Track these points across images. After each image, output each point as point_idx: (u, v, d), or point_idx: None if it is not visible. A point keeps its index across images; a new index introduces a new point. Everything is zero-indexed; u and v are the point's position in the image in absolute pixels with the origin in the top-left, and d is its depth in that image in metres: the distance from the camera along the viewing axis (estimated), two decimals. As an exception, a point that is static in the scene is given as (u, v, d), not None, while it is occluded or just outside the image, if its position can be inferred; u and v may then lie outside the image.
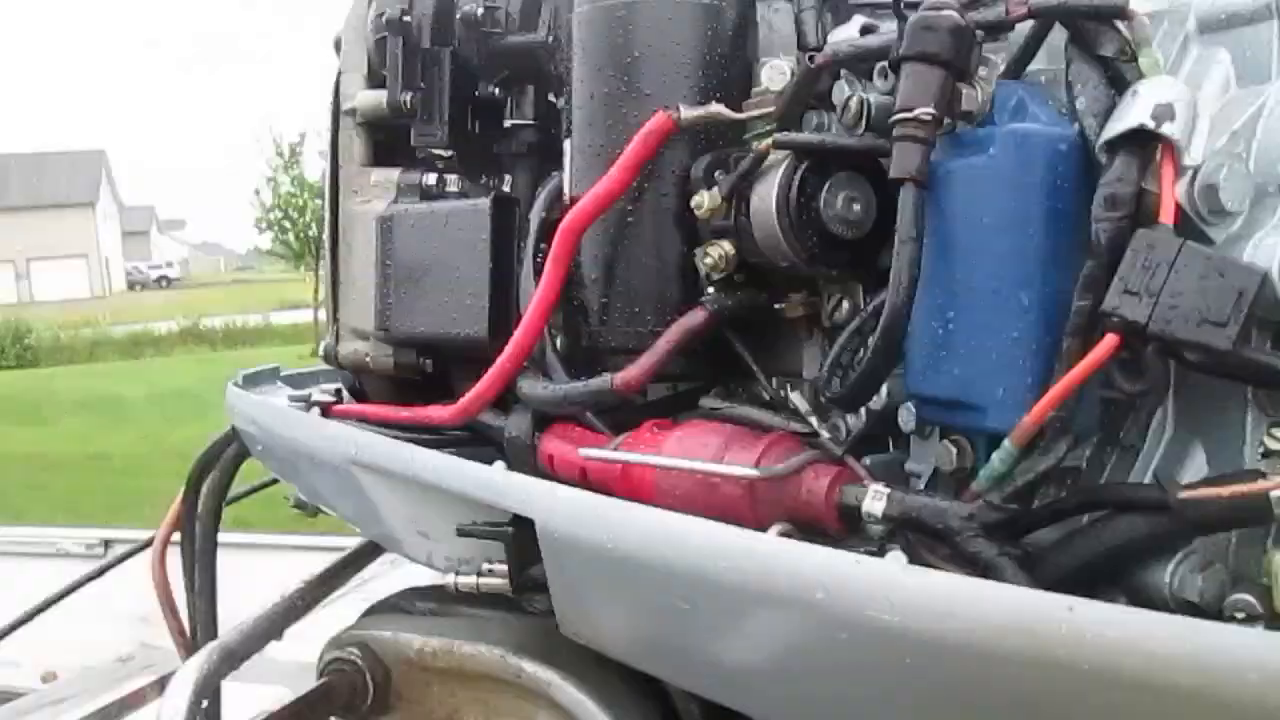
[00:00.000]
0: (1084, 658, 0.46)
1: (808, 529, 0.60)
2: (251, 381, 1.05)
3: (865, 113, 0.65)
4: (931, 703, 0.52)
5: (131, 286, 44.39)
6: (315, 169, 18.95)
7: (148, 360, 18.03)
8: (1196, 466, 0.58)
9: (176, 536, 1.16)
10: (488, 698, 0.86)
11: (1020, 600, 0.48)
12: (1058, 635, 0.47)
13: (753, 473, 0.58)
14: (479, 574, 0.74)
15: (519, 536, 0.68)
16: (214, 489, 1.06)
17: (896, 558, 0.53)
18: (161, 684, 2.19)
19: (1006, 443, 0.54)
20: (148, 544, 1.57)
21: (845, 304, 0.68)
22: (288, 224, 19.10)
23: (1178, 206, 0.52)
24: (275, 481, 1.26)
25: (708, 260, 0.69)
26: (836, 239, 0.65)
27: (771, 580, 0.54)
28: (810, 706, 0.57)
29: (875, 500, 0.58)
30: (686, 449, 0.63)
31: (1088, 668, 0.46)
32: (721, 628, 0.57)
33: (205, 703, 0.74)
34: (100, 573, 1.73)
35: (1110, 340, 0.51)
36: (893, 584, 0.51)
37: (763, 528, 0.59)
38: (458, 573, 0.75)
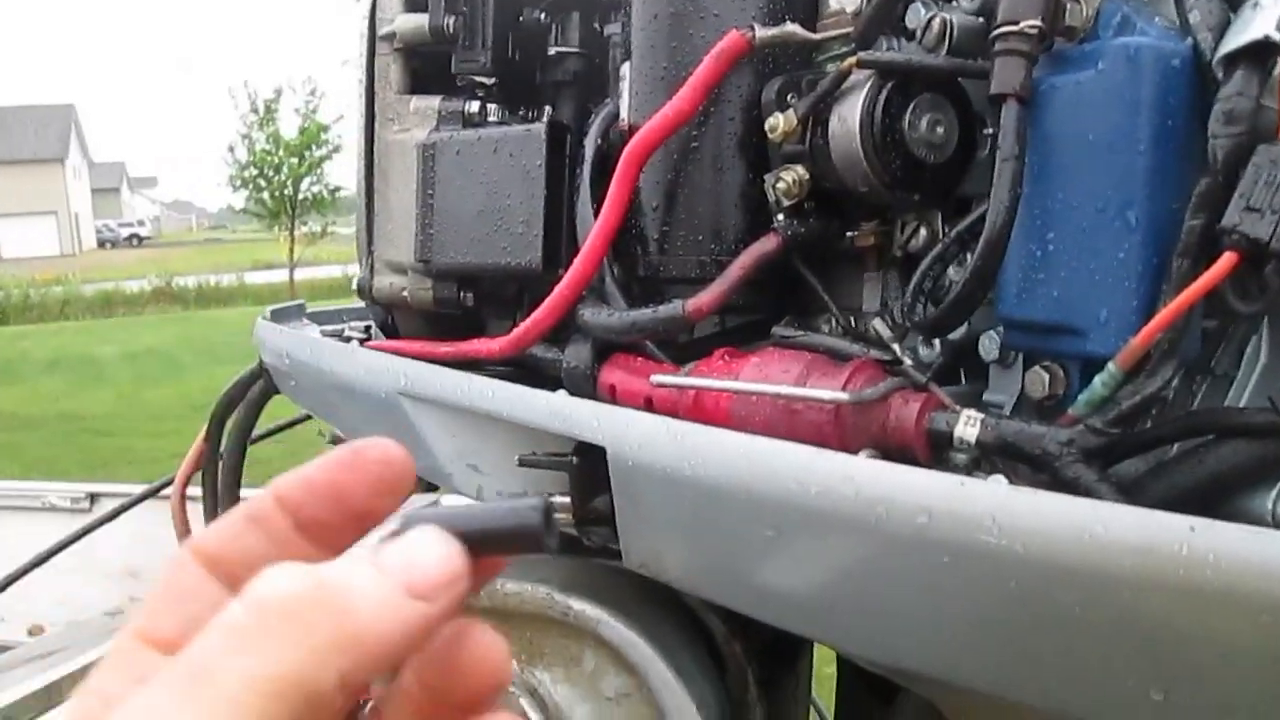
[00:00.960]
0: (1206, 580, 0.45)
1: (893, 457, 0.58)
2: (278, 317, 1.03)
3: (948, 33, 0.63)
4: (1036, 630, 0.51)
5: (102, 244, 43.80)
6: (291, 126, 18.72)
7: (119, 319, 17.81)
8: (1295, 395, 0.57)
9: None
10: (533, 637, 0.85)
11: (1136, 520, 0.47)
12: (1178, 557, 0.46)
13: (842, 397, 0.56)
14: (535, 507, 0.72)
15: (584, 466, 0.66)
16: (239, 427, 1.04)
17: (999, 480, 0.52)
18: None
19: (1111, 365, 0.53)
20: (141, 498, 1.55)
21: (923, 232, 0.67)
22: (263, 182, 18.89)
23: (1297, 123, 0.51)
24: (300, 421, 1.23)
25: (780, 185, 0.67)
26: (919, 162, 0.63)
27: (869, 504, 0.52)
28: (903, 637, 0.56)
29: (968, 426, 0.56)
30: (766, 375, 0.62)
31: (1210, 591, 0.45)
32: (811, 555, 0.56)
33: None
34: (96, 526, 1.70)
35: (1229, 258, 0.50)
36: (1001, 505, 0.49)
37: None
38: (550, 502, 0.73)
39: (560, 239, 0.79)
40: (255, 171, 19.01)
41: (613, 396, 0.71)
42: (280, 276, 20.21)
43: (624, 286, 0.76)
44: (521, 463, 0.68)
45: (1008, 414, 0.62)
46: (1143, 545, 0.46)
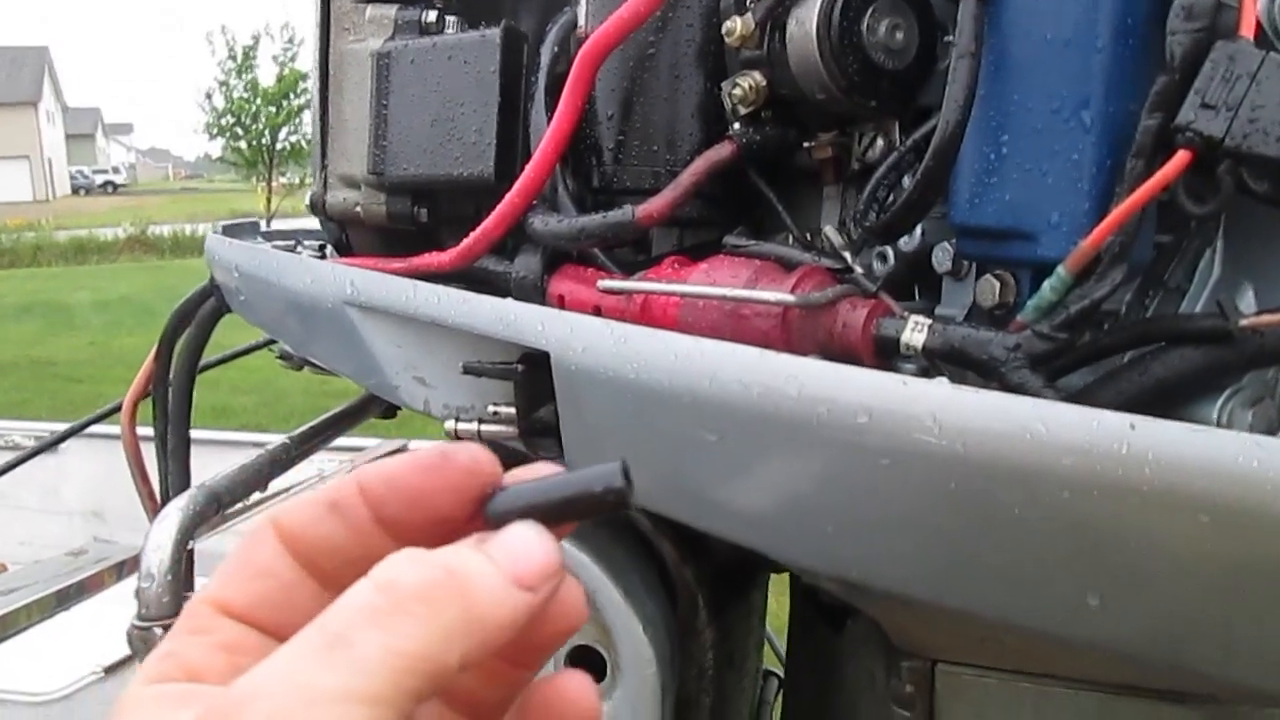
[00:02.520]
0: (1145, 479, 0.45)
1: (840, 363, 0.57)
2: (231, 232, 1.00)
3: (911, -65, 0.61)
4: (976, 534, 0.50)
5: (76, 191, 43.19)
6: (269, 74, 18.46)
7: (93, 266, 17.61)
8: (1245, 306, 0.56)
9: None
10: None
11: (1077, 418, 0.46)
12: (1118, 456, 0.45)
13: (789, 299, 0.55)
14: (481, 420, 0.71)
15: (529, 375, 0.65)
16: (189, 346, 1.01)
17: (943, 382, 0.51)
18: (119, 569, 2.15)
19: (1060, 269, 0.52)
20: (89, 423, 1.52)
21: (880, 141, 0.65)
22: (240, 131, 18.66)
23: (1257, 21, 0.50)
24: (255, 348, 1.21)
25: (736, 92, 0.66)
26: (878, 68, 0.62)
27: (811, 404, 0.51)
28: (845, 544, 0.55)
29: (916, 332, 0.55)
30: (714, 280, 0.60)
31: (1149, 490, 0.45)
32: (753, 460, 0.55)
33: (192, 543, 0.71)
34: (63, 438, 1.67)
35: (1182, 156, 0.48)
36: (942, 405, 0.48)
37: (795, 360, 0.57)
38: (457, 419, 0.72)
39: (515, 150, 0.77)
40: (232, 120, 18.77)
41: (561, 306, 0.69)
42: (257, 227, 19.95)
43: (578, 198, 0.74)
44: (466, 370, 0.67)
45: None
46: (1083, 444, 0.46)
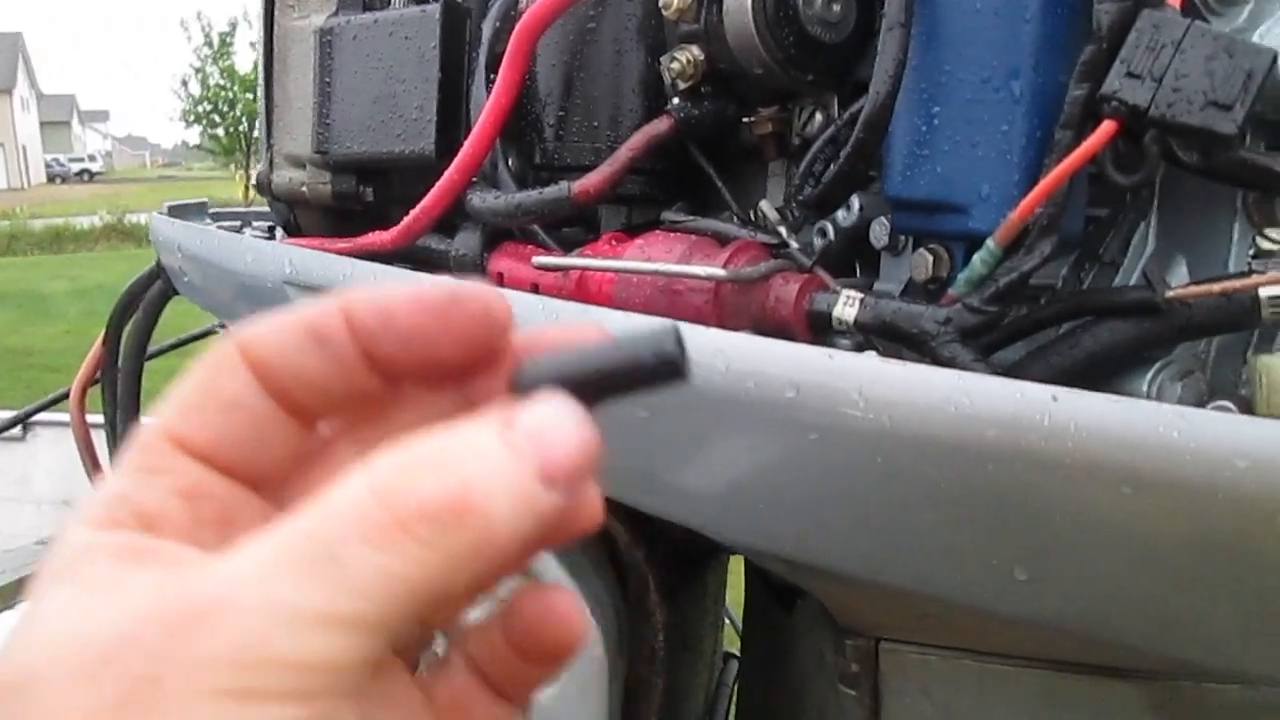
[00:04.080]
0: (1068, 451, 0.44)
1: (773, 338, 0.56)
2: (176, 213, 0.99)
3: (848, -94, 0.61)
4: (904, 508, 0.50)
5: (52, 179, 42.75)
6: (246, 60, 18.31)
7: (70, 255, 17.44)
8: (1179, 279, 0.56)
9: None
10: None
11: (1000, 390, 0.45)
12: (1040, 427, 0.45)
13: (719, 273, 0.55)
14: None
15: (466, 353, 0.64)
16: (137, 330, 1.00)
17: (870, 356, 0.50)
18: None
19: (990, 242, 0.51)
20: (37, 409, 1.50)
21: (818, 116, 0.65)
22: (217, 118, 18.52)
23: (1184, -10, 0.49)
24: (206, 334, 1.20)
25: (674, 66, 0.65)
26: (814, 41, 0.61)
27: (739, 379, 0.51)
28: (778, 518, 0.54)
29: (847, 306, 0.55)
30: (649, 255, 0.60)
31: (1072, 462, 0.44)
32: (684, 436, 0.54)
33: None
34: (19, 421, 1.65)
35: (1108, 126, 0.48)
36: (867, 378, 0.48)
37: (727, 336, 0.56)
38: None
39: (458, 126, 0.76)
40: (209, 107, 18.62)
41: (500, 284, 0.69)
42: (235, 215, 19.84)
43: (519, 176, 0.73)
44: (402, 349, 0.66)
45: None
46: (1006, 416, 0.45)
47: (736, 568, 1.12)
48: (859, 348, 0.59)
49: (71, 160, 44.91)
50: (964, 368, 0.52)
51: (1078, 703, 0.69)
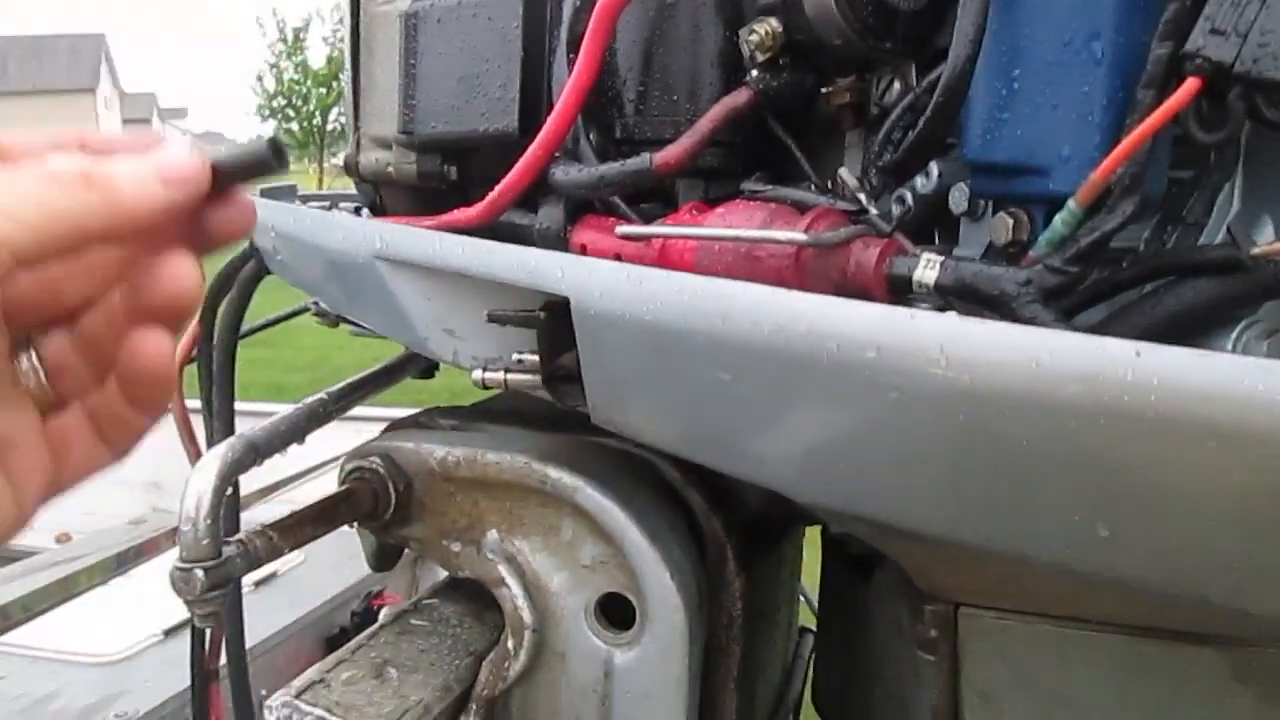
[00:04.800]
0: (1150, 405, 0.45)
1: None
2: (269, 194, 1.03)
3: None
4: (986, 466, 0.51)
5: (133, 175, 43.81)
6: (319, 56, 18.62)
7: (151, 248, 17.87)
8: (1265, 238, 0.56)
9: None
10: (511, 506, 0.86)
11: (1081, 346, 0.46)
12: (1123, 382, 0.45)
13: (801, 238, 0.56)
14: (507, 369, 0.73)
15: (552, 321, 0.66)
16: (231, 308, 1.04)
17: (951, 316, 0.51)
18: (173, 535, 2.21)
19: (1071, 202, 0.52)
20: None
21: (896, 85, 0.65)
22: (291, 112, 18.87)
23: (1270, -55, 0.49)
24: (297, 313, 1.24)
25: (753, 38, 0.66)
26: (892, 9, 0.62)
27: (820, 340, 0.52)
28: (859, 480, 0.56)
29: (928, 269, 0.56)
30: (730, 223, 0.61)
31: (1154, 417, 0.45)
32: (766, 397, 0.55)
33: (230, 490, 0.73)
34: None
35: (1191, 84, 0.48)
36: (948, 336, 0.49)
37: (808, 300, 0.57)
38: (485, 369, 0.74)
39: (540, 104, 0.78)
40: (284, 101, 18.98)
41: (584, 254, 0.71)
42: (310, 207, 20.21)
43: (601, 150, 0.75)
44: (490, 318, 0.68)
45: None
46: (1087, 371, 0.46)
47: (812, 542, 1.14)
48: (939, 311, 0.60)
49: (152, 156, 45.96)
50: (1044, 327, 0.52)
51: (1157, 668, 0.69)
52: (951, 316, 0.50)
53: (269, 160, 0.42)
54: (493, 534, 0.87)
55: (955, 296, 0.55)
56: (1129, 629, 0.67)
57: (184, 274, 0.41)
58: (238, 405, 1.12)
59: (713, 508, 0.89)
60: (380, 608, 2.09)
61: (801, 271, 0.58)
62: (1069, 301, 0.55)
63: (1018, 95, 0.55)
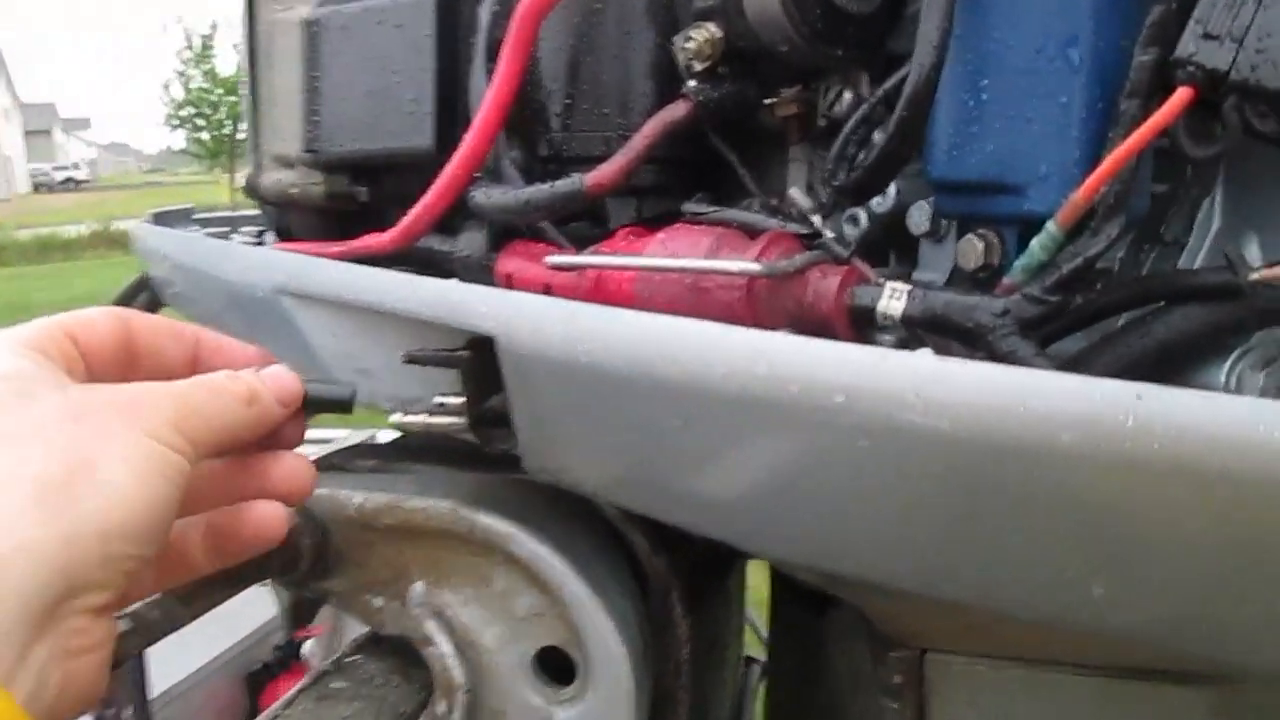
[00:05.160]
0: (1155, 453, 0.40)
1: (812, 336, 0.52)
2: (162, 220, 0.94)
3: None
4: (967, 519, 0.45)
5: (37, 188, 42.51)
6: (228, 63, 18.20)
7: (57, 264, 17.32)
8: (1251, 258, 0.51)
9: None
10: (439, 555, 0.79)
11: (1077, 389, 0.41)
12: (1123, 429, 0.40)
13: (754, 268, 0.50)
14: (430, 411, 0.66)
15: (476, 361, 0.60)
16: (124, 344, 0.95)
17: (926, 354, 0.46)
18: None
19: (1050, 225, 0.47)
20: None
21: (847, 95, 0.60)
22: (200, 121, 18.41)
23: (1261, -59, 0.45)
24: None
25: (690, 45, 0.60)
26: (843, 13, 0.56)
27: (781, 384, 0.46)
28: (825, 535, 0.50)
29: (893, 299, 0.50)
30: (672, 250, 0.55)
31: (1160, 464, 0.40)
32: (720, 446, 0.50)
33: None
34: None
35: (1183, 94, 0.44)
36: (925, 379, 0.43)
37: (762, 335, 0.52)
38: (404, 412, 0.67)
39: (455, 119, 0.71)
40: (193, 110, 18.50)
41: (510, 286, 0.64)
42: (223, 219, 19.75)
43: (525, 169, 0.68)
44: (409, 359, 0.61)
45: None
46: (1084, 416, 0.41)
47: (755, 568, 1.08)
48: (903, 344, 0.55)
49: (56, 169, 44.64)
50: (1025, 363, 0.47)
51: (1135, 709, 0.65)
52: (926, 355, 0.45)
53: (348, 405, 0.54)
54: (418, 586, 0.80)
55: (924, 329, 0.50)
56: (1105, 670, 0.63)
57: (304, 469, 0.51)
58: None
59: (655, 548, 0.83)
60: (304, 639, 2.00)
61: (754, 304, 0.52)
62: (1046, 330, 0.50)
63: (987, 107, 0.50)
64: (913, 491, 0.46)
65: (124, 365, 0.46)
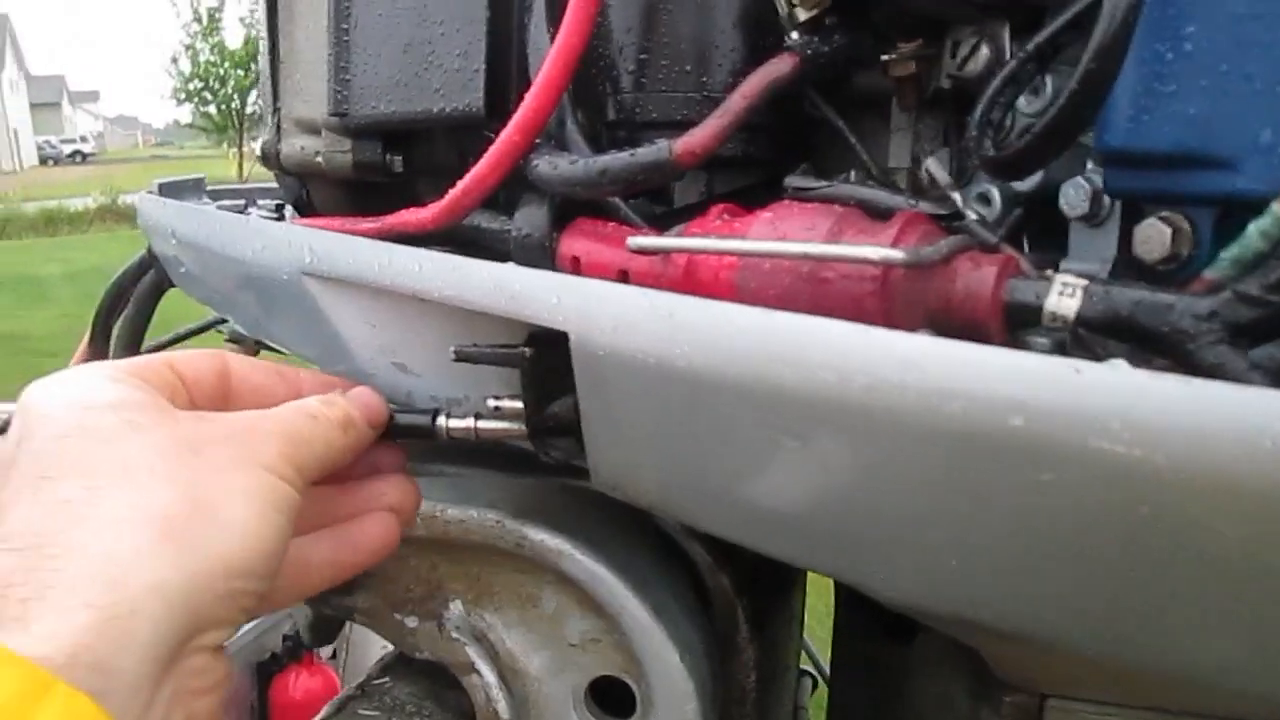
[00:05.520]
0: None
1: (957, 338, 0.43)
2: (169, 192, 0.85)
3: None
4: (1177, 570, 0.36)
5: (44, 161, 42.42)
6: (236, 36, 18.06)
7: (63, 238, 17.25)
8: None
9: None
10: (479, 572, 0.70)
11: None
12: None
13: (896, 255, 0.41)
14: (478, 414, 0.57)
15: (541, 359, 0.51)
16: (128, 329, 0.86)
17: (1118, 365, 0.37)
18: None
19: (1275, 207, 0.38)
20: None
21: (984, 50, 0.51)
22: (208, 95, 18.31)
23: None
24: (206, 328, 1.06)
25: (798, -11, 0.51)
26: (986, -50, 0.47)
27: (940, 400, 0.37)
28: (977, 577, 0.41)
29: (1064, 296, 0.41)
30: (784, 233, 0.46)
31: None
32: (853, 472, 0.41)
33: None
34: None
35: None
36: (1133, 400, 0.34)
37: (898, 335, 0.42)
38: (448, 415, 0.58)
39: (509, 76, 0.62)
40: (200, 84, 18.38)
41: (576, 270, 0.55)
42: (230, 193, 19.68)
43: (589, 134, 0.59)
44: (460, 356, 0.52)
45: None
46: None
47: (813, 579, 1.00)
48: (1059, 348, 0.46)
49: (63, 142, 44.53)
50: (1238, 378, 0.38)
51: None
52: (1128, 370, 0.36)
53: (429, 431, 0.56)
54: (456, 606, 0.72)
55: (1104, 333, 0.41)
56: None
57: (406, 484, 0.56)
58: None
59: (719, 560, 0.74)
60: (314, 632, 1.92)
61: (888, 299, 0.43)
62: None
63: (1190, 60, 0.40)
64: (1107, 536, 0.36)
65: (221, 399, 0.48)
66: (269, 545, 0.40)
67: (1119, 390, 0.34)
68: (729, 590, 0.75)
